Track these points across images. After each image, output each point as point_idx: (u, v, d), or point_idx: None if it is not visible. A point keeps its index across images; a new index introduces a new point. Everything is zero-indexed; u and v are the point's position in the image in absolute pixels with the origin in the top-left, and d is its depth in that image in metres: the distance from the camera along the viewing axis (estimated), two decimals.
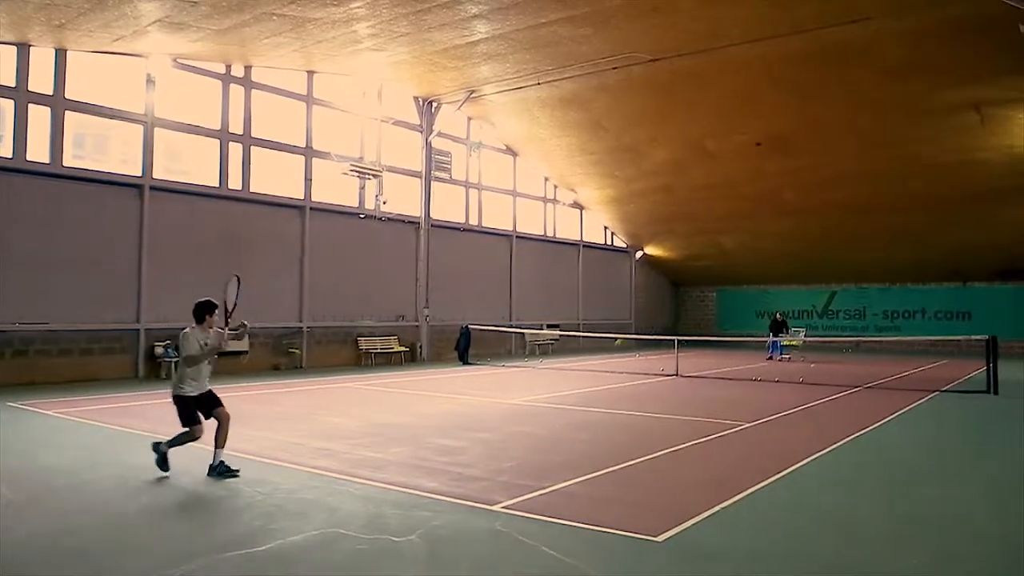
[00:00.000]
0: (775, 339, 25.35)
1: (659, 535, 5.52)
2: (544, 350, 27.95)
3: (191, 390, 7.36)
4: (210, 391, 7.55)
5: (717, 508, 6.28)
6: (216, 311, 7.51)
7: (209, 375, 7.59)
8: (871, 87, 19.25)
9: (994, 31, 15.21)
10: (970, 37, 16.25)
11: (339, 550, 5.20)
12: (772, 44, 17.20)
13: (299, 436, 9.62)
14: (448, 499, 6.52)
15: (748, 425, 10.91)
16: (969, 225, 25.57)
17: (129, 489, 6.87)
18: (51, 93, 15.92)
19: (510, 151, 27.84)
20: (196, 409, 7.40)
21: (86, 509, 6.25)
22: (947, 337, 25.82)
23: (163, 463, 7.34)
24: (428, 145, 24.16)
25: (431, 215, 24.44)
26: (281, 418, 11.30)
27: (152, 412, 11.70)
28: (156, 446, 7.43)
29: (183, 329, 7.44)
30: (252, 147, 19.71)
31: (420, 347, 23.87)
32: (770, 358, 24.78)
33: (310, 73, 20.80)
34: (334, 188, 21.70)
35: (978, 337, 18.02)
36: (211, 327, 7.46)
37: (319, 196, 21.29)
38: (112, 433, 9.88)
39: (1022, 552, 5.47)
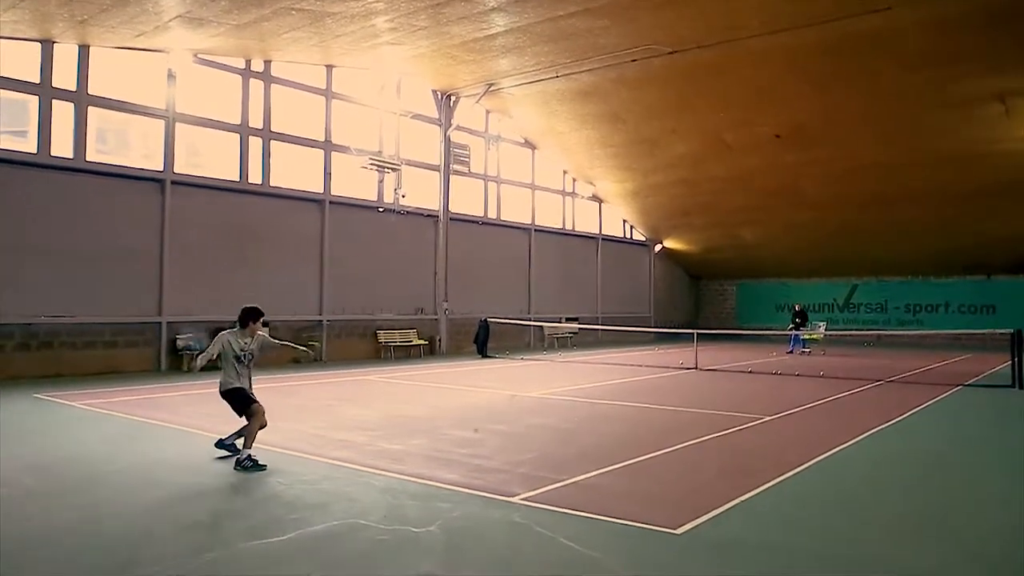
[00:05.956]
0: (796, 332, 25.14)
1: (678, 528, 5.51)
2: (563, 343, 27.92)
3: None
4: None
5: (736, 501, 6.26)
6: (261, 319, 7.93)
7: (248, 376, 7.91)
8: (892, 78, 19.00)
9: (1018, 20, 14.97)
10: (993, 26, 15.99)
11: (359, 540, 5.25)
12: (791, 35, 17.02)
13: (319, 428, 9.70)
14: (467, 491, 6.55)
15: (768, 418, 10.85)
16: (993, 217, 25.22)
17: (151, 480, 6.96)
18: (74, 89, 16.11)
19: (528, 144, 27.81)
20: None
21: (108, 499, 6.34)
22: (971, 331, 25.50)
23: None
24: (446, 139, 24.19)
25: (450, 208, 24.47)
26: (302, 410, 11.39)
27: (174, 403, 11.86)
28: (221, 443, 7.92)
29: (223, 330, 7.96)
30: (272, 141, 19.84)
31: (439, 340, 23.95)
32: (790, 352, 24.57)
33: (329, 67, 20.89)
34: (353, 182, 21.79)
35: (1003, 331, 17.78)
36: (254, 333, 7.85)
37: (338, 190, 21.38)
38: (136, 424, 10.01)
39: None
